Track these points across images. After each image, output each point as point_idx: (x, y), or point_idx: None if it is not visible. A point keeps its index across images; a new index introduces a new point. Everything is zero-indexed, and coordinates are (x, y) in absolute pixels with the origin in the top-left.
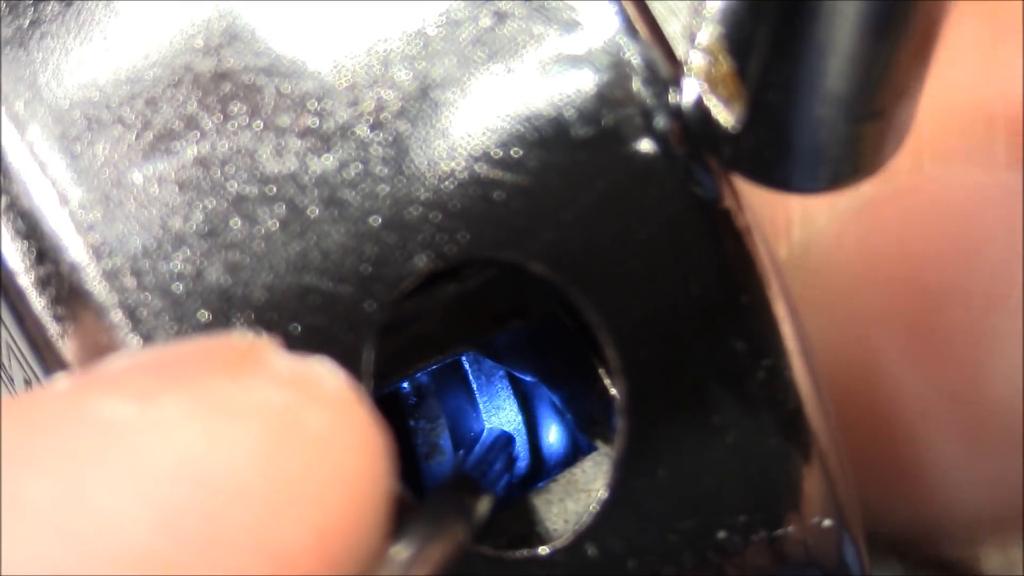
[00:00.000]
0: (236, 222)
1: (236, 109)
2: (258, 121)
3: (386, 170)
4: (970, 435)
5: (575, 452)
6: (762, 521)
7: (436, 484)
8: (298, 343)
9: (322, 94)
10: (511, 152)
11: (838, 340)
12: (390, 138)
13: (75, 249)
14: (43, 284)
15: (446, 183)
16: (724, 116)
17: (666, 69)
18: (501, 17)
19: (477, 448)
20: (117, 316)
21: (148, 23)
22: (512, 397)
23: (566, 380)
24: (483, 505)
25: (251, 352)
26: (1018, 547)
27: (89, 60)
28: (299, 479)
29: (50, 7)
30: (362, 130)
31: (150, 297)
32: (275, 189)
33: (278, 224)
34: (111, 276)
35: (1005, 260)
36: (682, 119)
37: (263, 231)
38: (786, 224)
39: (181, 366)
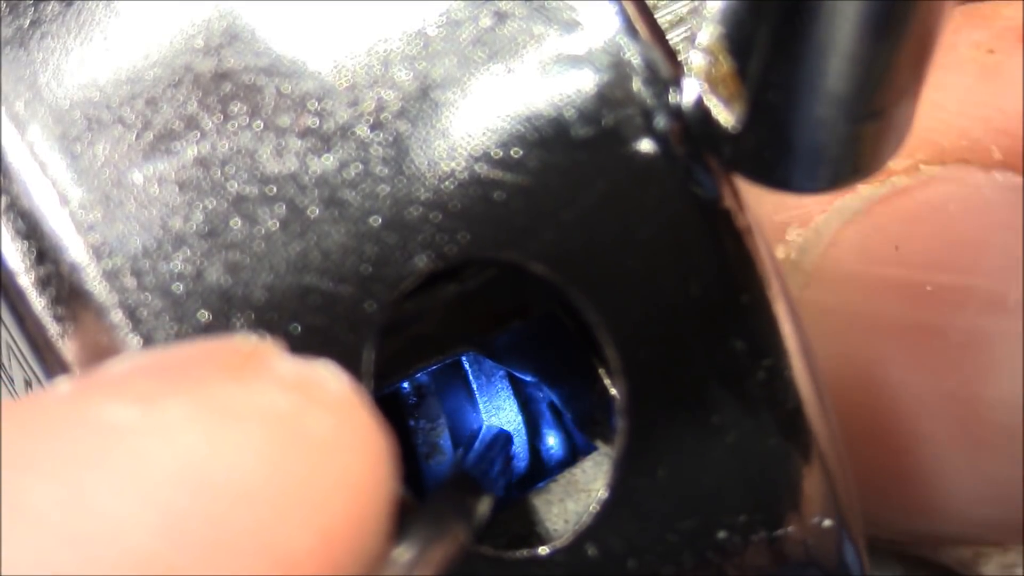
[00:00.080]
0: (236, 222)
1: (236, 109)
2: (258, 121)
3: (386, 170)
4: (970, 436)
5: (575, 452)
6: (762, 521)
7: (436, 484)
8: (298, 343)
9: (322, 94)
10: (511, 152)
11: (837, 341)
12: (390, 138)
13: (75, 249)
14: (43, 284)
15: (446, 183)
16: (724, 116)
17: (666, 69)
18: (501, 17)
19: (476, 445)
20: (117, 316)
21: (148, 23)
22: (512, 397)
23: (566, 380)
24: (483, 505)
25: (254, 355)
26: (1018, 548)
27: (89, 60)
28: (303, 483)
29: (50, 7)
30: (362, 130)
31: (150, 297)
32: (275, 189)
33: (278, 224)
34: (111, 276)
35: (1004, 261)
36: (682, 119)
37: (263, 231)
38: (785, 224)
39: (183, 369)
